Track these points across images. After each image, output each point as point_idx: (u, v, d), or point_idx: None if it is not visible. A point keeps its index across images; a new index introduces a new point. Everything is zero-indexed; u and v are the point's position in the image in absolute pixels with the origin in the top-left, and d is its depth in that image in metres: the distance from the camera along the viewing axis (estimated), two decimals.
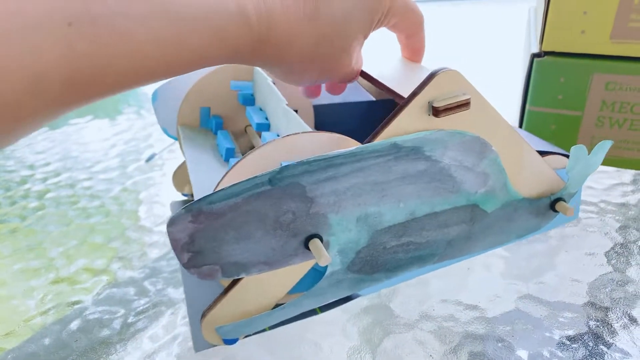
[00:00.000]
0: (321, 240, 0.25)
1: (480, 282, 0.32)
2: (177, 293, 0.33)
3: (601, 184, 0.41)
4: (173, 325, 0.30)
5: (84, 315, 0.32)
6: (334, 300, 0.29)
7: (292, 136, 0.25)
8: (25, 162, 0.52)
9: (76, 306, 0.33)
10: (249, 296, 0.26)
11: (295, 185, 0.24)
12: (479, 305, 0.30)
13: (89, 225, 0.41)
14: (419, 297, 0.31)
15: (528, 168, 0.30)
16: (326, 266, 0.27)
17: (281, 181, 0.23)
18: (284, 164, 0.24)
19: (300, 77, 0.27)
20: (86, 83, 0.19)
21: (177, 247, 0.23)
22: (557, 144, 0.44)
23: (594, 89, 0.40)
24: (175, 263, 0.36)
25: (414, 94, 0.25)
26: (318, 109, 0.39)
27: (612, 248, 0.34)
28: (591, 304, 0.30)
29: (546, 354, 0.27)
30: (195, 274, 0.24)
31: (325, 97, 0.40)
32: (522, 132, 0.36)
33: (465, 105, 0.26)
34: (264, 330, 0.29)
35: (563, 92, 0.42)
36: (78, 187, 0.46)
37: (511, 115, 0.52)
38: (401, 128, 0.25)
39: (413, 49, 0.33)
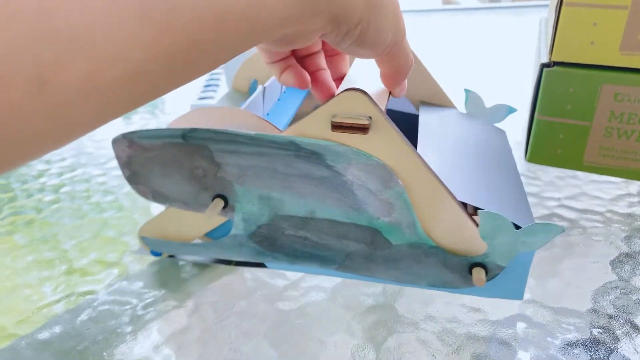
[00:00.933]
0: (226, 203, 0.31)
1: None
2: (186, 287, 0.34)
3: (608, 194, 0.41)
4: (181, 318, 0.31)
5: (95, 306, 0.33)
6: (239, 259, 0.33)
7: (223, 108, 0.30)
8: (42, 158, 0.53)
9: (88, 296, 0.33)
10: (171, 223, 0.33)
11: (204, 147, 0.29)
12: (482, 308, 0.30)
13: (103, 219, 0.42)
14: (424, 299, 0.31)
15: (445, 218, 0.28)
16: (231, 226, 0.32)
17: (192, 139, 0.29)
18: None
19: (385, 26, 0.24)
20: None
21: (120, 162, 0.31)
22: (565, 153, 0.44)
23: (602, 100, 0.41)
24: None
25: (321, 105, 0.26)
26: None
27: (617, 257, 0.34)
28: (594, 311, 0.30)
29: (548, 358, 0.27)
30: (134, 189, 0.32)
31: None
32: (514, 180, 0.32)
33: (362, 129, 0.26)
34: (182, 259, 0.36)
35: (572, 102, 0.42)
36: (92, 182, 0.47)
37: (521, 124, 0.53)
38: (303, 131, 0.27)
39: (389, 88, 0.30)
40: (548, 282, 0.32)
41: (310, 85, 0.30)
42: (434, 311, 0.30)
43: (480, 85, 0.65)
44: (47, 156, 0.53)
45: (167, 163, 0.30)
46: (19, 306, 0.33)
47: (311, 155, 0.27)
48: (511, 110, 0.39)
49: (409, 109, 0.41)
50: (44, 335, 0.31)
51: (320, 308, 0.31)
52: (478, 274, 0.28)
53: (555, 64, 0.42)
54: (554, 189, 0.42)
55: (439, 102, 0.41)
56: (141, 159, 0.31)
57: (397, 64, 0.27)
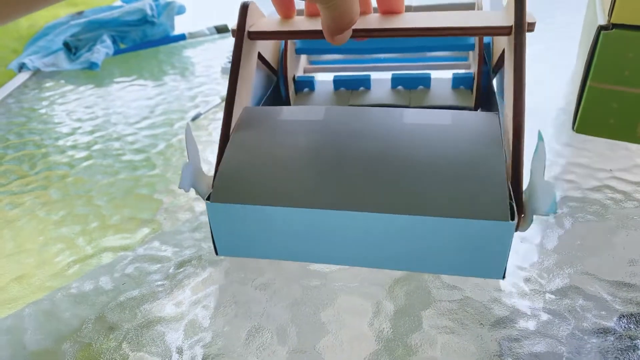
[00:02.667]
0: None
1: (532, 255, 0.31)
2: None
3: None
4: (216, 278, 0.30)
5: (129, 262, 0.32)
6: None
7: None
8: (73, 116, 0.53)
9: (122, 252, 0.33)
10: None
11: None
12: (533, 277, 0.29)
13: (135, 177, 0.41)
14: None
15: None
16: None
17: None
18: None
19: None
20: None
21: None
22: (618, 123, 0.42)
23: None
24: None
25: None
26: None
27: None
28: None
29: (604, 331, 0.25)
30: None
31: None
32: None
33: None
34: None
35: (630, 68, 0.39)
36: (124, 140, 0.47)
37: (562, 90, 0.50)
38: None
39: (393, 6, 0.30)
40: (602, 254, 0.30)
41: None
42: (480, 279, 0.29)
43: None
44: (79, 114, 0.53)
45: None
46: (53, 259, 0.33)
47: None
48: None
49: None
50: (80, 288, 0.30)
51: (359, 271, 0.30)
52: None
53: (614, 26, 0.39)
54: (605, 160, 0.40)
55: None
56: None
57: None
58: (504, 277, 0.25)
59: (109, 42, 0.66)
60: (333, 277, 0.30)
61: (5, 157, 0.45)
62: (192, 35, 0.72)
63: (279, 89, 0.37)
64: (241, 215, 0.25)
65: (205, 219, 0.35)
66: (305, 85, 0.39)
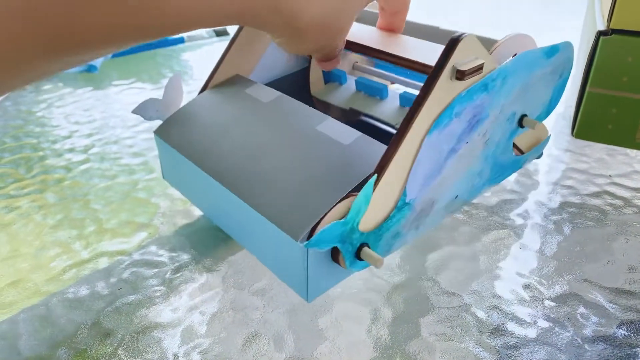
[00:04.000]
0: None
1: (531, 262, 0.30)
2: (218, 251, 0.33)
3: None
4: (214, 283, 0.30)
5: (126, 267, 0.32)
6: None
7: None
8: (71, 119, 0.52)
9: (119, 257, 0.33)
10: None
11: None
12: (532, 284, 0.29)
13: (133, 181, 0.41)
14: (469, 272, 0.30)
15: None
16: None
17: None
18: None
19: (304, 44, 0.28)
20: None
21: None
22: (617, 129, 0.42)
23: None
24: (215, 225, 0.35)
25: (442, 60, 0.25)
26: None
27: None
28: None
29: (603, 339, 0.25)
30: None
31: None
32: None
33: (479, 69, 0.27)
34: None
35: (629, 73, 0.39)
36: (122, 144, 0.46)
37: (563, 97, 0.50)
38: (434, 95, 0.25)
39: (393, 26, 0.35)
40: (602, 261, 0.30)
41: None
42: (480, 285, 0.29)
43: None
44: (76, 117, 0.52)
45: None
46: (49, 264, 0.32)
47: None
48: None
49: None
50: (75, 294, 0.30)
51: (357, 277, 0.30)
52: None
53: (614, 31, 0.39)
54: (604, 166, 0.40)
55: None
56: None
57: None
58: (308, 300, 0.26)
59: None
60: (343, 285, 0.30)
61: (1, 160, 0.45)
62: (191, 38, 0.72)
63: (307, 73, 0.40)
64: (175, 158, 0.32)
65: (202, 223, 0.35)
66: (336, 79, 0.40)
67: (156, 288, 0.30)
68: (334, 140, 0.28)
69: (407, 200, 0.27)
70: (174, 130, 0.33)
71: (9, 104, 0.57)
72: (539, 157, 0.38)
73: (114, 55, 0.67)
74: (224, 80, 0.35)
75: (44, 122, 0.52)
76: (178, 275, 0.31)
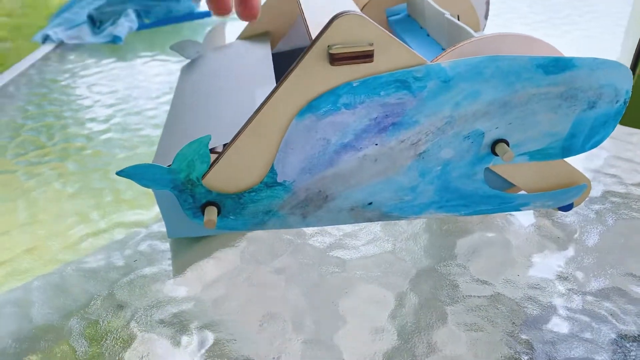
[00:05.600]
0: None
1: (570, 252, 0.28)
2: None
3: None
4: (232, 259, 0.29)
5: (143, 238, 0.31)
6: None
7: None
8: (94, 89, 0.52)
9: (136, 228, 0.32)
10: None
11: None
12: (573, 275, 0.27)
13: (153, 152, 0.40)
14: (502, 259, 0.28)
15: None
16: None
17: None
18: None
19: None
20: None
21: None
22: None
23: None
24: None
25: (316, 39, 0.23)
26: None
27: None
28: None
29: None
30: None
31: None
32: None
33: (367, 56, 0.23)
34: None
35: None
36: (144, 115, 0.46)
37: None
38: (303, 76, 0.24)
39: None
40: None
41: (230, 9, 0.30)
42: (514, 275, 0.27)
43: (557, 38, 0.58)
44: (100, 87, 0.52)
45: None
46: (66, 232, 0.32)
47: None
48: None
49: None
50: (91, 263, 0.29)
51: (381, 260, 0.28)
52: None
53: None
54: None
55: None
56: None
57: None
58: (167, 235, 0.30)
59: (132, 16, 0.65)
60: (353, 264, 0.28)
61: (24, 127, 0.44)
62: None
63: None
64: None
65: None
66: None
67: (173, 261, 0.29)
68: (251, 102, 0.30)
69: (278, 180, 0.26)
70: (188, 71, 0.39)
71: (34, 72, 0.56)
72: (565, 209, 0.29)
73: (140, 28, 0.66)
74: (249, 35, 0.41)
75: (67, 91, 0.51)
76: (195, 248, 0.30)
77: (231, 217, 0.28)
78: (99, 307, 0.26)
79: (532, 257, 0.28)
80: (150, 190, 0.35)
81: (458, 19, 0.40)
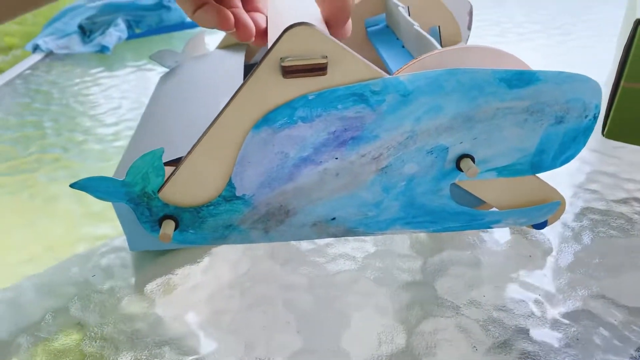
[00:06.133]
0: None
1: (542, 272, 0.27)
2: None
3: None
4: (194, 276, 0.28)
5: (106, 252, 0.30)
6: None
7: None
8: (79, 99, 0.51)
9: (101, 242, 0.31)
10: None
11: None
12: (539, 299, 0.26)
13: None
14: (467, 280, 0.27)
15: None
16: None
17: None
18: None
19: None
20: None
21: None
22: None
23: None
24: None
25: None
26: None
27: None
28: None
29: (622, 358, 0.22)
30: None
31: None
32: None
33: (320, 69, 0.22)
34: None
35: None
36: (122, 125, 0.45)
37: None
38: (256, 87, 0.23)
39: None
40: (624, 276, 0.27)
41: (232, 25, 0.27)
42: (479, 296, 0.26)
43: (551, 48, 0.57)
44: (84, 97, 0.51)
45: None
46: (28, 245, 0.31)
47: None
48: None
49: None
50: (49, 277, 0.29)
51: (347, 278, 0.27)
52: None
53: None
54: (635, 170, 0.36)
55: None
56: None
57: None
58: (129, 248, 0.29)
59: (122, 26, 0.65)
60: (331, 283, 0.27)
61: (1, 138, 0.44)
62: None
63: None
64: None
65: None
66: None
67: (133, 278, 0.28)
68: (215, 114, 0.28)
69: (237, 194, 0.25)
70: (164, 80, 0.39)
71: (20, 82, 0.56)
72: (539, 227, 0.29)
73: (130, 37, 0.66)
74: (227, 45, 0.42)
75: (50, 101, 0.51)
76: (159, 265, 0.29)
77: (190, 231, 0.27)
78: (50, 323, 0.26)
79: (502, 278, 0.27)
80: None
81: (439, 30, 0.39)
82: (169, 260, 0.29)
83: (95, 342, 0.24)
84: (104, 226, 0.32)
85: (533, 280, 0.27)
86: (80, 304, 0.27)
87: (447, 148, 0.25)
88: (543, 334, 0.24)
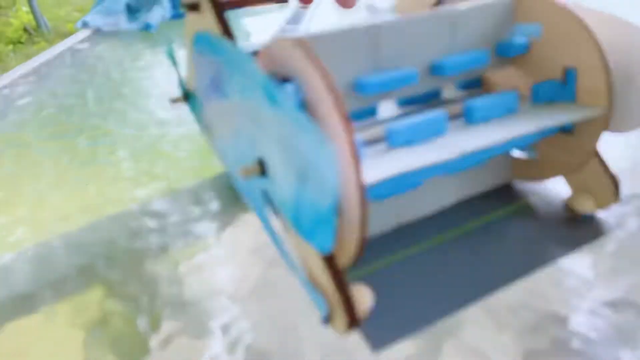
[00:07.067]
0: None
1: (583, 257, 0.25)
2: (230, 208, 0.30)
3: None
4: (227, 236, 0.28)
5: (134, 215, 0.31)
6: None
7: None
8: (120, 72, 0.53)
9: (131, 204, 0.32)
10: None
11: None
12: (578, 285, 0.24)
13: (162, 130, 0.40)
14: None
15: None
16: None
17: None
18: None
19: None
20: None
21: None
22: None
23: None
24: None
25: None
26: None
27: None
28: None
29: None
30: None
31: None
32: None
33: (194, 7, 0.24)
34: None
35: None
36: (162, 98, 0.46)
37: None
38: None
39: None
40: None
41: None
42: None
43: None
44: (126, 72, 0.52)
45: None
46: (64, 205, 0.32)
47: None
48: None
49: None
50: (80, 236, 0.29)
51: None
52: None
53: None
54: None
55: None
56: None
57: None
58: None
59: (167, 4, 0.66)
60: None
61: (48, 105, 0.46)
62: None
63: None
64: None
65: (218, 181, 0.33)
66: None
67: (159, 240, 0.29)
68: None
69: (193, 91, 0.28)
70: None
71: (68, 55, 0.58)
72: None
73: (174, 17, 0.67)
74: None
75: (94, 73, 0.53)
76: (184, 228, 0.29)
77: None
78: (75, 279, 0.26)
79: (534, 261, 0.25)
80: (150, 169, 0.35)
81: None
82: (193, 226, 0.29)
83: (117, 299, 0.25)
84: (136, 190, 0.33)
85: (573, 265, 0.25)
86: (106, 262, 0.27)
87: (254, 139, 0.22)
88: (580, 322, 0.22)
